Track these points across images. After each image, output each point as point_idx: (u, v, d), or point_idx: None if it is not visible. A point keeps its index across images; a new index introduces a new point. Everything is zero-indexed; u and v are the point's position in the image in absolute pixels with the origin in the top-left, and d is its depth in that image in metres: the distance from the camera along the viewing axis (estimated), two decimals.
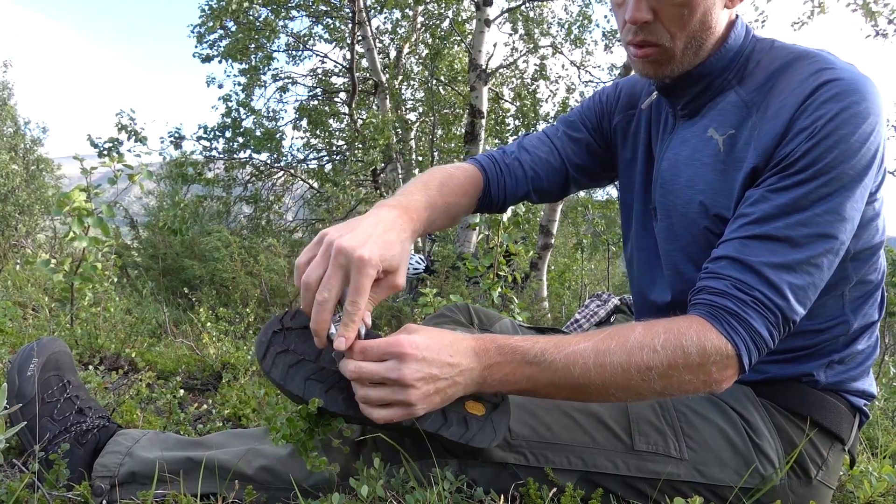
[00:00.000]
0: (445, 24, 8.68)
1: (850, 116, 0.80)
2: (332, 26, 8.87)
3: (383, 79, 8.22)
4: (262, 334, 0.86)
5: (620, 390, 0.79)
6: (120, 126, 6.52)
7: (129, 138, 6.55)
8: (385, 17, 9.37)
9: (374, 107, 8.70)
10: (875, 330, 0.99)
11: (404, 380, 0.75)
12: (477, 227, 5.43)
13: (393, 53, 9.43)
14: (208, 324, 2.21)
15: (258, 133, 7.43)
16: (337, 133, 8.96)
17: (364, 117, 8.38)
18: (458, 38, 8.50)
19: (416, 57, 9.68)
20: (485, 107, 6.78)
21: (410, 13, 8.86)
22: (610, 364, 0.78)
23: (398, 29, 9.24)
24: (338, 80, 9.42)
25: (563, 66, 9.11)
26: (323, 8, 8.55)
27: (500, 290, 2.64)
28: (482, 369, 0.80)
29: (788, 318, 0.81)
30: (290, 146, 10.13)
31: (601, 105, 1.18)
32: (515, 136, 8.87)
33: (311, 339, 0.89)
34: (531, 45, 8.41)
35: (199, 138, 7.41)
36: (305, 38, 8.88)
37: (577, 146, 1.18)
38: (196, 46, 7.92)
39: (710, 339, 0.79)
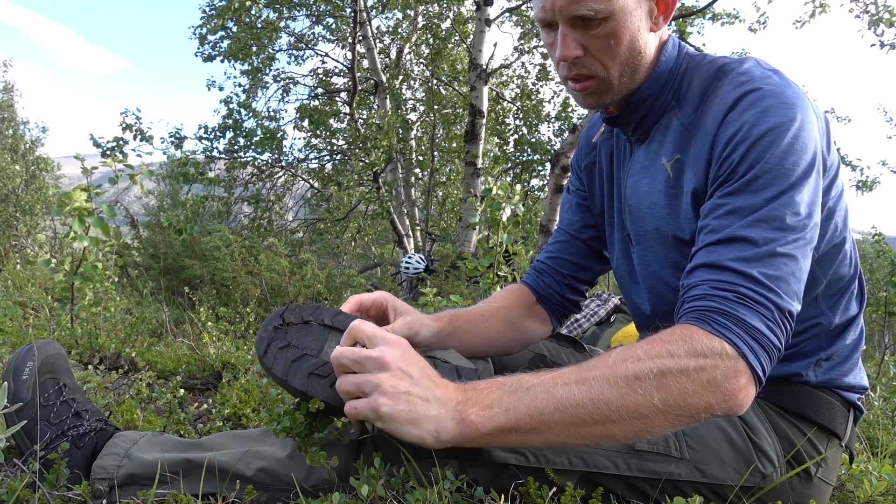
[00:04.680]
0: (447, 24, 8.68)
1: (773, 117, 0.82)
2: (332, 26, 8.87)
3: (384, 79, 8.23)
4: (262, 330, 0.86)
5: (616, 411, 0.72)
6: (125, 125, 6.51)
7: (134, 137, 6.54)
8: (386, 17, 9.38)
9: (374, 107, 8.71)
10: (858, 322, 1.00)
11: (384, 358, 0.74)
12: (477, 227, 5.44)
13: (394, 53, 9.43)
14: (208, 323, 2.21)
15: (259, 133, 7.42)
16: (338, 133, 8.96)
17: (365, 117, 8.38)
18: (459, 39, 8.50)
19: (417, 57, 9.68)
20: (485, 106, 6.78)
21: (411, 13, 8.85)
22: (594, 378, 0.73)
23: (399, 29, 9.24)
24: (338, 80, 9.43)
25: None
26: (324, 8, 8.54)
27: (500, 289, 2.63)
28: (458, 402, 0.75)
29: (783, 309, 0.76)
30: (291, 146, 10.16)
31: (575, 162, 1.24)
32: (515, 136, 8.87)
33: (313, 333, 0.89)
34: (531, 47, 8.41)
35: (200, 138, 7.41)
36: (308, 39, 8.88)
37: (572, 213, 1.24)
38: (198, 48, 7.92)
39: (698, 340, 0.74)
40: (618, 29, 0.88)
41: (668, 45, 0.97)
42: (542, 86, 8.78)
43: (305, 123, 8.74)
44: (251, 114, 7.63)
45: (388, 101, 8.24)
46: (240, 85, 8.28)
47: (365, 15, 7.60)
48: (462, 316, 1.11)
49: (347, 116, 8.65)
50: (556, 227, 1.28)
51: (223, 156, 7.51)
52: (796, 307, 0.78)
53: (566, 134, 6.62)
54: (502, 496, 0.87)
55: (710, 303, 0.77)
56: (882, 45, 5.57)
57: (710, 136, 0.87)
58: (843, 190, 0.95)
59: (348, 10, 7.95)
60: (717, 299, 0.77)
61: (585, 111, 7.37)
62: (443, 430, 0.74)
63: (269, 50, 8.18)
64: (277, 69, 8.76)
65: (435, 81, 9.08)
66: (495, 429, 0.74)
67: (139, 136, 6.57)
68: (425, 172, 9.31)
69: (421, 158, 9.55)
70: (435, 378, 0.77)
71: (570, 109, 8.19)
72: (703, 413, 0.73)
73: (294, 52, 8.97)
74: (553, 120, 8.46)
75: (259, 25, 7.96)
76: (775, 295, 0.76)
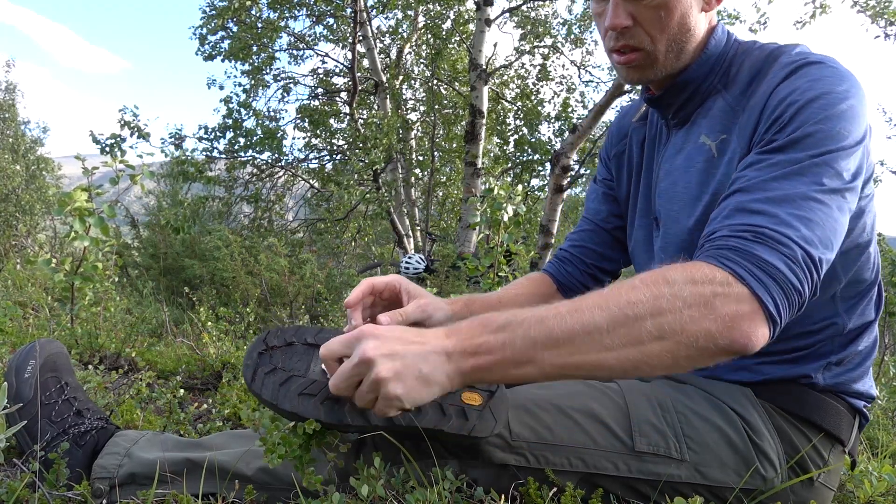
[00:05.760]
0: (447, 24, 8.68)
1: (827, 85, 0.81)
2: (332, 26, 8.87)
3: (383, 79, 8.23)
4: (247, 357, 0.86)
5: (608, 335, 0.70)
6: (123, 122, 6.52)
7: (132, 135, 6.55)
8: (386, 17, 9.38)
9: (375, 107, 8.71)
10: (873, 329, 0.98)
11: (365, 356, 0.72)
12: (477, 227, 5.44)
13: (394, 53, 9.43)
14: (208, 323, 2.21)
15: (259, 133, 7.43)
16: (338, 133, 8.96)
17: (365, 117, 8.39)
18: (460, 39, 8.51)
19: (417, 57, 9.69)
20: (485, 106, 6.79)
21: (412, 13, 8.86)
22: (587, 307, 0.71)
23: (399, 29, 9.24)
24: (339, 80, 9.43)
25: (562, 65, 9.14)
26: (324, 8, 8.55)
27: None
28: (454, 343, 0.74)
29: (810, 252, 0.72)
30: (291, 146, 10.19)
31: (604, 151, 1.23)
32: (515, 136, 8.88)
33: (297, 354, 0.89)
34: (531, 46, 8.41)
35: (200, 139, 7.42)
36: (310, 39, 8.89)
37: (598, 202, 1.23)
38: (198, 48, 7.93)
39: (698, 269, 0.71)
40: (670, 1, 0.88)
41: (717, 30, 0.96)
42: (542, 86, 8.79)
43: (305, 123, 8.75)
44: (251, 113, 7.64)
45: (388, 101, 8.24)
46: (240, 84, 8.29)
47: (365, 15, 7.60)
48: (478, 301, 1.10)
49: (347, 116, 8.65)
50: (581, 217, 1.27)
51: (223, 156, 7.52)
52: (827, 255, 0.74)
53: (566, 134, 6.62)
54: (502, 496, 0.87)
55: (725, 242, 0.74)
56: (886, 36, 5.60)
57: (760, 105, 0.86)
58: (874, 195, 0.93)
59: (348, 10, 7.96)
60: (734, 239, 0.74)
61: (586, 111, 7.38)
62: (453, 374, 0.74)
63: (270, 50, 8.18)
64: (278, 69, 8.77)
65: (435, 81, 9.08)
66: (494, 364, 0.73)
67: (137, 134, 6.58)
68: (425, 172, 9.32)
69: (421, 158, 9.55)
70: (416, 336, 0.75)
71: (569, 109, 8.19)
72: (702, 342, 0.68)
73: (294, 52, 8.98)
74: (553, 120, 8.46)
75: (259, 25, 7.96)
76: (799, 235, 0.72)
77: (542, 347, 0.71)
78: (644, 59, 0.93)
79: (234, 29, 7.90)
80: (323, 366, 0.81)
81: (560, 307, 0.73)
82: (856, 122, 0.80)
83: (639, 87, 1.12)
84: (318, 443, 0.83)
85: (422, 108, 9.97)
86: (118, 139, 6.39)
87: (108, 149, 6.20)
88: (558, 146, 6.61)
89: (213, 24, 7.69)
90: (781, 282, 0.71)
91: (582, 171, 6.70)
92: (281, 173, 8.46)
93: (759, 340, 0.70)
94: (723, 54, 0.96)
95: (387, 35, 9.43)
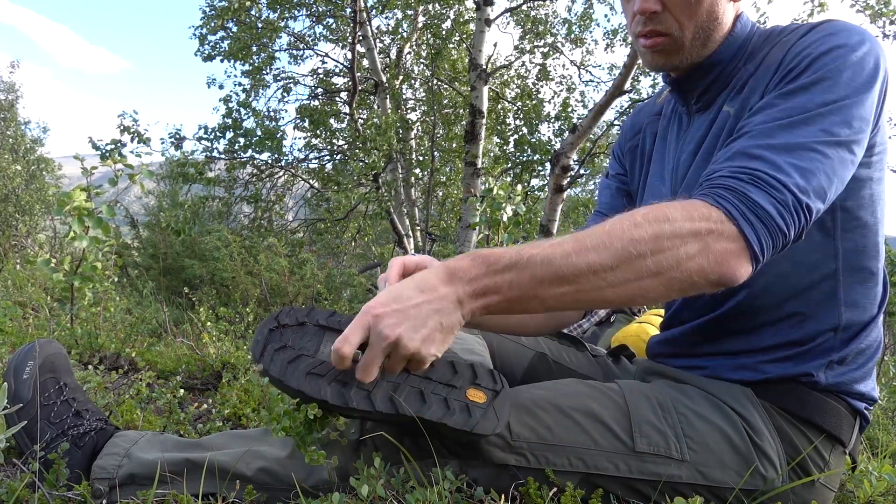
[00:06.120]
0: (447, 24, 8.69)
1: (842, 38, 0.85)
2: (332, 26, 8.88)
3: (383, 79, 8.23)
4: (257, 333, 0.86)
5: (612, 273, 0.74)
6: (122, 127, 6.52)
7: (132, 140, 6.56)
8: (386, 17, 9.39)
9: (374, 107, 8.71)
10: (875, 327, 0.98)
11: (390, 338, 0.73)
12: (477, 227, 5.44)
13: (394, 53, 9.43)
14: (208, 323, 2.21)
15: (259, 133, 7.43)
16: (338, 133, 8.96)
17: (365, 117, 8.39)
18: (460, 38, 8.51)
19: (417, 57, 9.69)
20: (485, 106, 6.78)
21: (412, 13, 8.86)
22: (591, 245, 0.75)
23: (399, 29, 9.24)
24: (339, 80, 9.43)
25: (562, 65, 9.15)
26: (324, 8, 8.55)
27: None
28: (462, 288, 0.76)
29: (801, 199, 0.76)
30: (291, 146, 10.19)
31: (617, 147, 1.25)
32: (515, 136, 8.88)
33: (309, 334, 0.89)
34: (531, 45, 8.41)
35: (199, 139, 7.42)
36: (310, 39, 8.89)
37: (612, 197, 1.24)
38: (198, 48, 7.93)
39: (696, 208, 0.76)
40: None
41: (742, 17, 0.99)
42: (542, 86, 8.79)
43: (305, 123, 8.75)
44: (251, 113, 7.64)
45: (388, 101, 8.24)
46: (240, 84, 8.30)
47: (365, 15, 7.60)
48: None
49: (347, 116, 8.65)
50: (594, 211, 1.28)
51: (223, 156, 7.52)
52: (818, 204, 0.78)
53: (566, 134, 6.62)
54: (502, 496, 0.87)
55: (723, 181, 0.79)
56: (885, 36, 5.61)
57: (776, 61, 0.89)
58: (883, 179, 0.94)
59: (348, 10, 7.96)
60: (731, 179, 0.78)
61: (586, 111, 7.38)
62: (466, 315, 0.77)
63: (270, 50, 8.19)
64: (278, 69, 8.78)
65: (435, 81, 9.09)
66: (501, 302, 0.77)
67: (137, 139, 6.58)
68: (425, 172, 9.31)
69: (421, 158, 9.55)
70: (419, 293, 0.75)
71: (569, 109, 8.19)
72: (695, 276, 0.74)
73: (294, 51, 8.98)
74: (553, 120, 8.46)
75: (259, 25, 7.97)
76: (794, 183, 0.76)
77: (548, 286, 0.75)
78: (670, 45, 0.95)
79: (234, 29, 7.91)
80: (357, 366, 0.81)
81: (565, 245, 0.76)
82: (867, 72, 0.83)
83: (638, 88, 1.13)
84: (321, 425, 0.83)
85: (422, 108, 9.97)
86: (118, 144, 6.39)
87: (107, 154, 6.20)
88: (558, 146, 6.61)
89: (212, 25, 7.70)
90: (769, 224, 0.76)
91: (582, 171, 6.71)
92: (281, 173, 8.45)
93: (743, 275, 0.77)
94: (748, 38, 0.98)
95: (387, 35, 9.43)
